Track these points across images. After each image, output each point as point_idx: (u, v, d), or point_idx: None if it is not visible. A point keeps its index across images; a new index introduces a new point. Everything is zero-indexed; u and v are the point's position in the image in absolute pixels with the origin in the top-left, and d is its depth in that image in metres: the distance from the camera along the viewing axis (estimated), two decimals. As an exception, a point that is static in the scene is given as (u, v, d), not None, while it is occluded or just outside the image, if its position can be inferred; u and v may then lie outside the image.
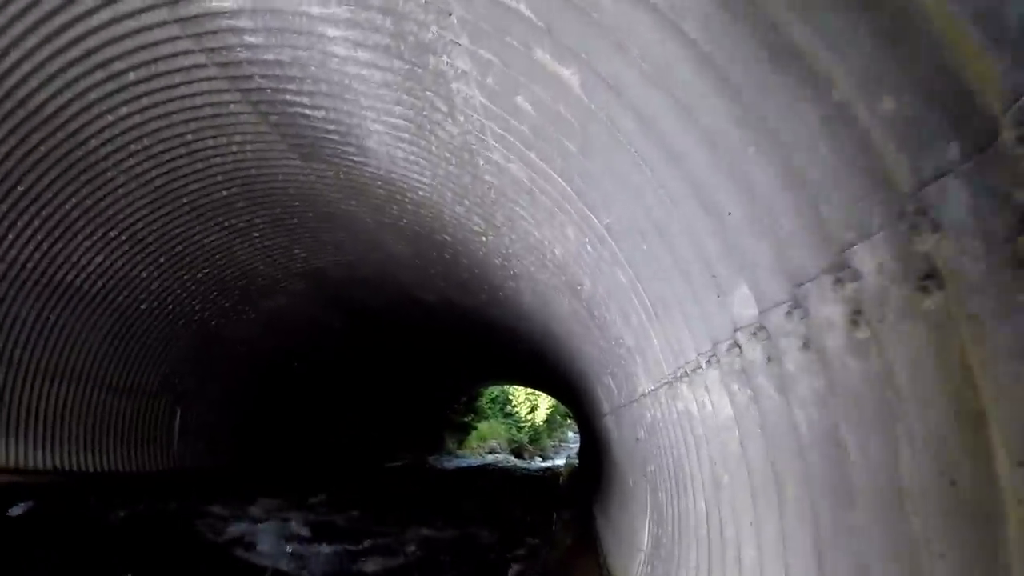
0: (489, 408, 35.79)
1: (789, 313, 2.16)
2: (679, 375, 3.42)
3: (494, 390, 35.88)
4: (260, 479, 15.86)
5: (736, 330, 2.56)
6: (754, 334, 2.40)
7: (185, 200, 9.80)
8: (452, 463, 26.18)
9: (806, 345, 2.07)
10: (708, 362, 2.89)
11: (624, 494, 7.74)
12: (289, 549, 10.02)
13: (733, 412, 2.75)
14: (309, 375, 17.88)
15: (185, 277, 11.91)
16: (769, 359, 2.34)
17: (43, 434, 11.36)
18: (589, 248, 4.65)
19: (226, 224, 10.69)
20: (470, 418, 33.40)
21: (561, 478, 18.28)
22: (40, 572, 7.90)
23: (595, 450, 12.75)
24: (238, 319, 13.97)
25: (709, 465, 3.29)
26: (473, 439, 33.40)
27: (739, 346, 2.55)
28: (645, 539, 5.86)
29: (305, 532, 11.32)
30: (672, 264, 3.13)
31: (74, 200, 9.27)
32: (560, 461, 27.37)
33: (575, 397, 15.20)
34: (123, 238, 10.35)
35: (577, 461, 22.16)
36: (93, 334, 11.66)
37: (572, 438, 36.08)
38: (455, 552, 10.28)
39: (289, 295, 13.80)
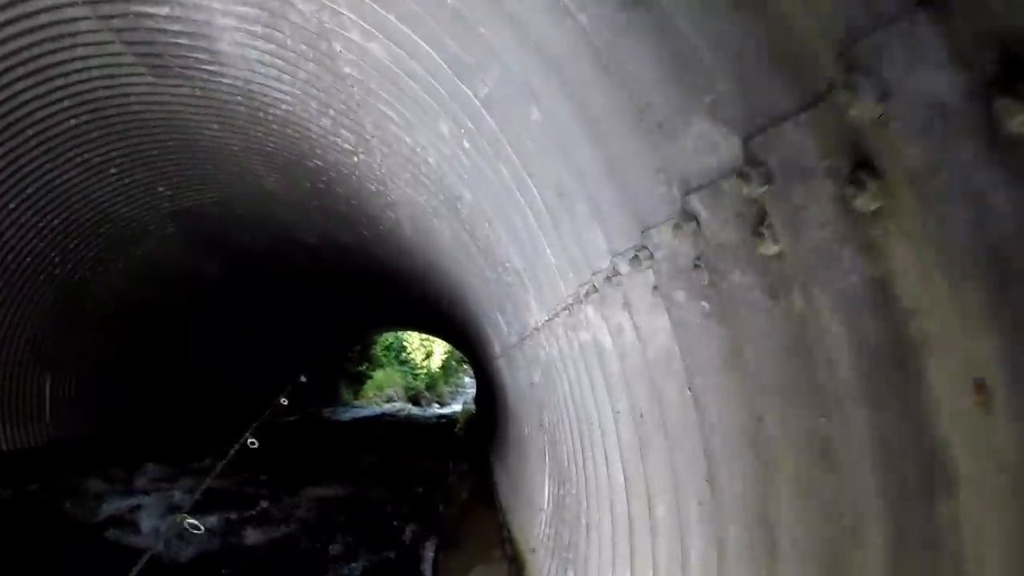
0: (384, 356, 34.59)
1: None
2: (584, 293, 2.46)
3: (388, 337, 34.64)
4: (145, 446, 14.32)
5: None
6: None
7: (30, 131, 8.31)
8: (348, 414, 24.98)
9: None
10: (630, 266, 1.93)
11: (521, 445, 6.92)
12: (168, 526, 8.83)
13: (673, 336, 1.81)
14: (190, 329, 16.20)
15: (40, 224, 10.21)
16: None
17: None
18: (467, 144, 3.61)
19: (79, 160, 9.18)
20: (365, 367, 32.14)
21: (457, 426, 17.47)
22: None
23: (490, 396, 11.92)
24: (106, 270, 12.24)
25: (629, 415, 2.37)
26: (369, 388, 32.23)
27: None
28: (545, 498, 5.01)
29: (190, 503, 10.08)
30: (569, 140, 2.15)
31: None
32: (457, 407, 26.63)
33: (466, 340, 14.30)
34: None
35: (474, 407, 21.43)
36: None
37: (468, 383, 35.40)
38: (348, 513, 9.36)
39: (159, 240, 12.14)
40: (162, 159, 9.48)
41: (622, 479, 2.62)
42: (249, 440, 8.35)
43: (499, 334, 6.86)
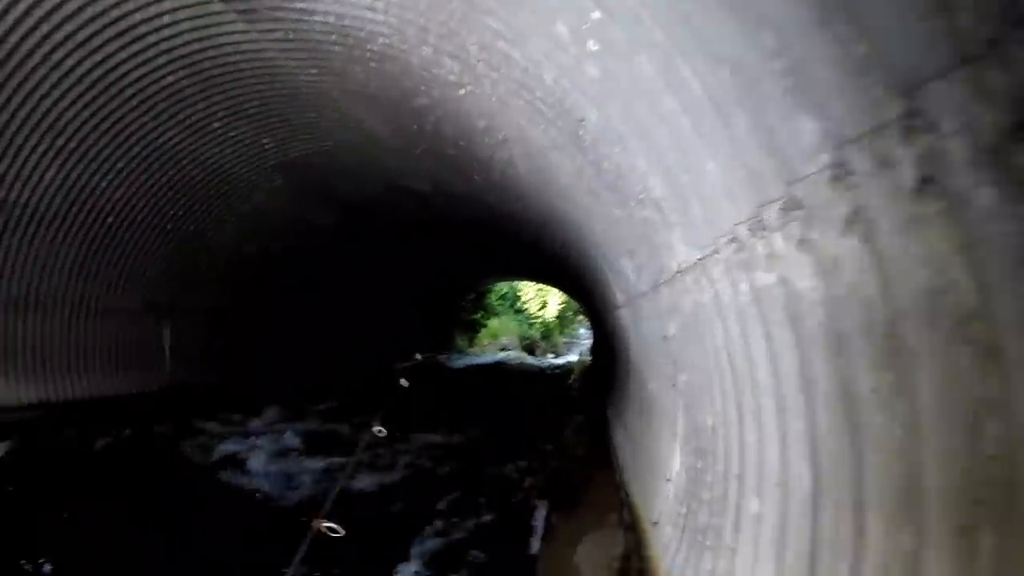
0: (499, 305, 34.52)
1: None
2: (772, 216, 1.73)
3: (503, 286, 34.48)
4: (262, 392, 14.68)
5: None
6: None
7: (129, 92, 8.31)
8: (462, 361, 25.02)
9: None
10: (871, 157, 1.20)
11: (645, 405, 6.23)
12: (277, 467, 8.83)
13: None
14: (302, 279, 16.37)
15: (150, 182, 10.34)
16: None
17: (21, 367, 10.41)
18: (592, 44, 2.89)
19: (181, 117, 9.16)
20: (479, 315, 32.16)
21: (572, 376, 16.97)
22: (16, 512, 6.88)
23: (608, 349, 11.26)
24: (218, 225, 12.34)
25: (829, 388, 1.65)
26: (484, 336, 32.30)
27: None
28: (675, 467, 4.34)
29: (300, 445, 10.13)
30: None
31: (7, 109, 8.07)
32: (572, 358, 26.14)
33: (584, 289, 13.64)
34: (72, 145, 9.01)
35: (590, 359, 20.86)
36: (61, 256, 10.38)
37: (584, 334, 34.81)
38: (457, 463, 9.06)
39: (267, 193, 12.09)
40: (264, 111, 9.27)
41: (810, 478, 1.92)
42: (401, 380, 8.22)
43: (623, 281, 6.14)
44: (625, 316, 6.87)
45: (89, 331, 11.35)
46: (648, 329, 5.47)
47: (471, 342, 31.58)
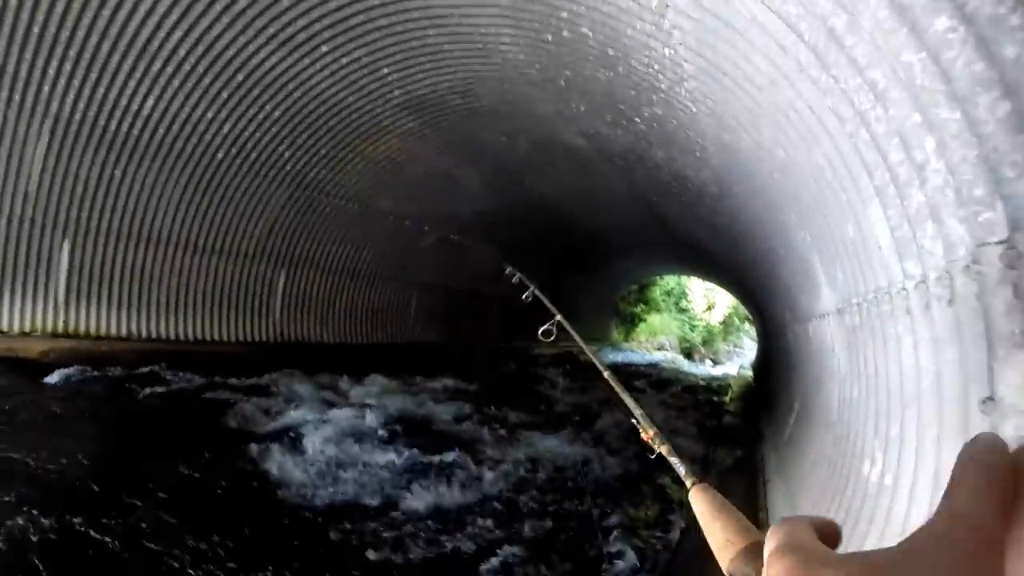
0: (663, 301, 31.89)
1: None
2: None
3: (670, 281, 31.76)
4: (377, 357, 13.56)
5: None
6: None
7: (218, 6, 7.30)
8: (610, 356, 22.91)
9: None
10: None
11: (817, 458, 4.03)
12: (333, 453, 7.30)
13: None
14: (442, 244, 15.02)
15: (257, 114, 9.27)
16: None
17: (118, 300, 10.05)
18: None
19: (282, 37, 7.85)
20: (640, 309, 29.79)
21: (729, 395, 14.42)
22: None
23: (773, 371, 8.84)
24: (341, 170, 11.15)
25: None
26: (642, 331, 29.95)
27: None
28: None
29: (378, 430, 8.63)
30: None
31: (97, 32, 7.49)
32: (732, 370, 23.21)
33: (759, 296, 11.19)
34: (169, 71, 8.18)
35: (752, 375, 18.01)
36: (167, 190, 9.61)
37: (748, 344, 31.39)
38: (557, 496, 6.97)
39: (399, 138, 10.67)
40: (377, 32, 7.71)
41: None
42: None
43: (818, 294, 3.98)
44: (828, 328, 4.65)
45: (194, 270, 10.73)
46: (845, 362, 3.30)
47: (627, 336, 29.34)
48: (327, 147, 10.49)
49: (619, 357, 23.22)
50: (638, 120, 6.91)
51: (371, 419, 9.05)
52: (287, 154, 10.29)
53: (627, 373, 17.84)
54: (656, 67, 4.80)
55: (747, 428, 9.66)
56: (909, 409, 2.36)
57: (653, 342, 29.76)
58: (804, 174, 3.31)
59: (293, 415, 8.68)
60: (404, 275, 14.57)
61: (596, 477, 7.78)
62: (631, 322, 29.43)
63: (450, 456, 7.70)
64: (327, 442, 7.75)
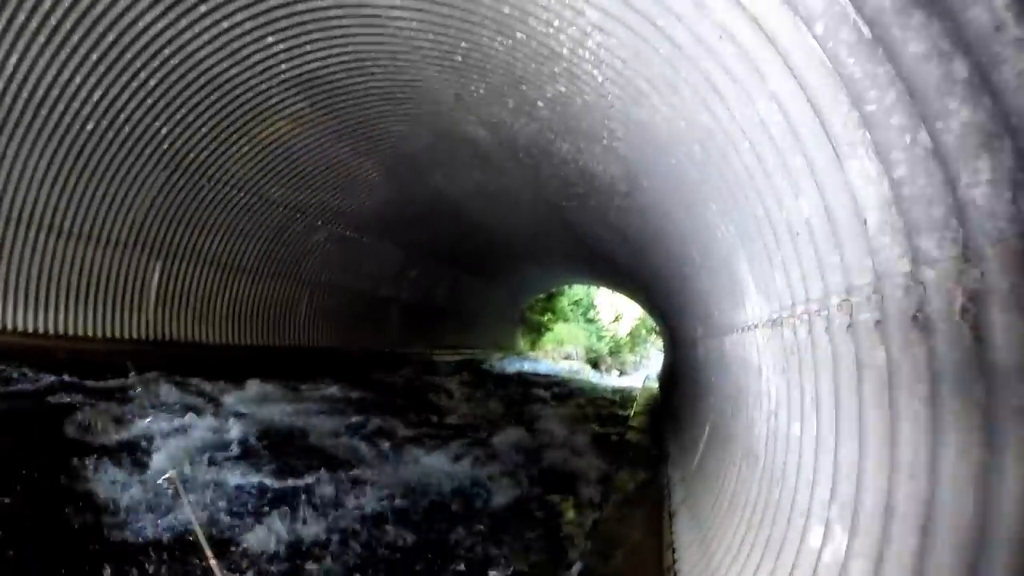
0: (571, 310, 31.43)
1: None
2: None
3: (578, 291, 31.35)
4: (260, 360, 12.31)
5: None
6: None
7: None
8: (516, 366, 22.11)
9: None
10: None
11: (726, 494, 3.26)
12: (173, 474, 6.12)
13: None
14: (339, 242, 13.85)
15: (129, 81, 8.12)
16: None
17: None
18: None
19: None
20: (547, 318, 29.22)
21: (633, 409, 13.82)
22: None
23: (681, 387, 8.20)
24: (228, 154, 9.91)
25: None
26: (548, 340, 29.37)
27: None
28: None
29: (241, 444, 7.52)
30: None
31: None
32: (637, 383, 22.87)
33: (668, 307, 10.61)
34: (33, 24, 7.06)
35: (657, 387, 17.55)
36: (30, 163, 8.48)
37: (654, 356, 31.30)
38: (435, 529, 5.93)
39: (289, 120, 9.50)
40: None
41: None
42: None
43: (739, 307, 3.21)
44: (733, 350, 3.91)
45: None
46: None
47: (534, 345, 28.70)
48: (210, 126, 9.23)
49: (525, 366, 22.48)
50: (541, 104, 6.09)
51: (236, 431, 7.93)
52: (164, 130, 8.96)
53: (531, 383, 17.08)
54: (556, 24, 3.96)
55: (652, 446, 8.98)
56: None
57: (560, 351, 29.26)
58: (735, 140, 2.52)
59: (147, 424, 7.47)
60: (296, 272, 13.30)
61: (485, 503, 6.86)
62: (538, 331, 28.80)
63: (317, 477, 6.68)
64: (177, 458, 6.60)
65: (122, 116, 8.42)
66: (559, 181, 9.11)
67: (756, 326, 3.02)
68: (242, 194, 10.88)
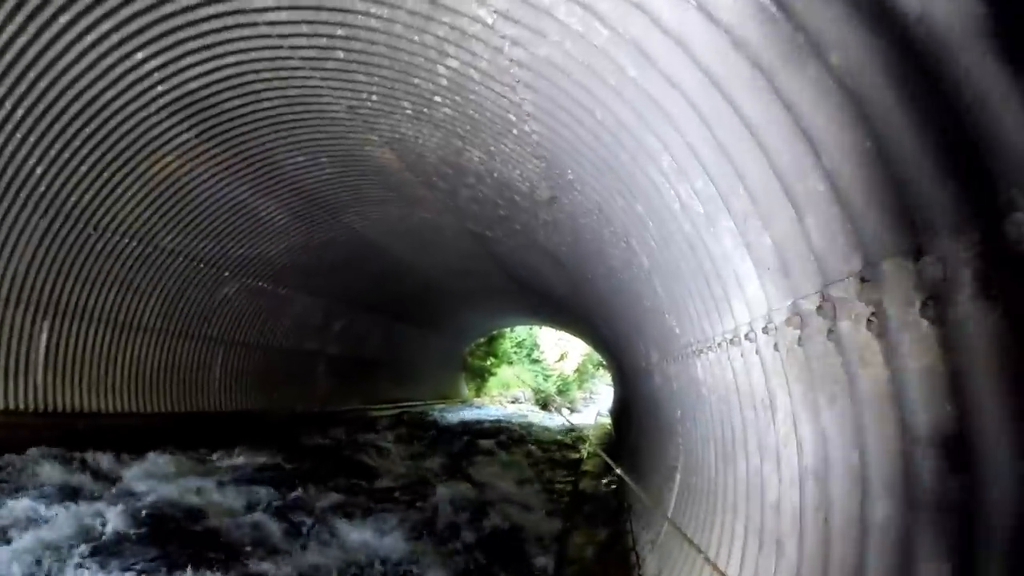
0: (515, 352, 30.19)
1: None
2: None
3: (520, 332, 30.18)
4: (169, 429, 10.71)
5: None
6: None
7: None
8: (459, 415, 20.67)
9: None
10: None
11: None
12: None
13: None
14: (257, 285, 12.40)
15: None
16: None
17: None
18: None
19: None
20: (490, 362, 27.92)
21: (586, 449, 12.58)
22: None
23: (642, 423, 7.04)
24: (112, 195, 8.44)
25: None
26: (494, 386, 28.03)
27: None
28: None
29: (115, 533, 6.12)
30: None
31: None
32: (589, 419, 21.68)
33: (614, 343, 9.53)
34: None
35: (610, 423, 16.40)
36: None
37: (603, 391, 30.23)
38: None
39: (178, 154, 8.17)
40: None
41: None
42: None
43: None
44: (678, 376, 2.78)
45: None
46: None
47: (479, 391, 27.33)
48: (90, 163, 7.80)
49: (469, 414, 21.05)
50: (439, 99, 4.98)
51: (117, 516, 6.53)
52: (39, 170, 7.51)
53: (475, 432, 15.72)
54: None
55: (610, 494, 7.77)
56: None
57: (507, 395, 27.94)
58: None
59: (6, 511, 6.20)
60: (204, 330, 11.73)
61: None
62: (481, 376, 27.45)
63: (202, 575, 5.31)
64: (24, 556, 5.28)
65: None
66: (478, 205, 8.00)
67: (760, 330, 1.93)
68: (135, 243, 9.38)
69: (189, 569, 5.38)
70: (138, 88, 6.95)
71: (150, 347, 10.67)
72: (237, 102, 7.28)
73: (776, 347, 1.99)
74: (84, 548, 5.67)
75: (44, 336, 8.99)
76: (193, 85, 6.94)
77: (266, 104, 7.30)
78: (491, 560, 6.29)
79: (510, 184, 5.90)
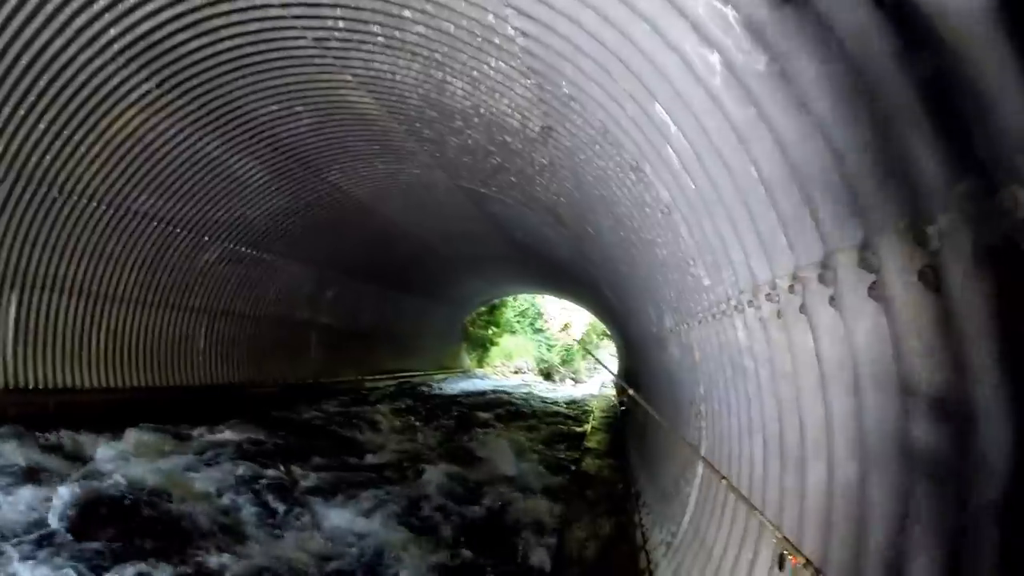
0: (517, 322, 29.39)
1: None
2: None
3: (524, 301, 29.32)
4: (150, 404, 9.93)
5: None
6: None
7: None
8: (459, 385, 19.94)
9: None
10: None
11: None
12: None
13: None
14: (240, 251, 11.53)
15: None
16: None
17: None
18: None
19: None
20: (491, 332, 27.13)
21: (590, 423, 11.78)
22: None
23: (653, 398, 6.20)
24: (74, 156, 7.58)
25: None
26: (496, 355, 27.31)
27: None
28: None
29: (62, 521, 5.38)
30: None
31: None
32: (593, 389, 20.92)
33: (617, 309, 8.66)
34: None
35: (614, 396, 15.61)
36: None
37: (608, 361, 29.52)
38: None
39: (140, 108, 7.27)
40: None
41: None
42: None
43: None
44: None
45: None
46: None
47: (481, 361, 26.60)
48: (47, 121, 6.96)
49: (469, 385, 20.33)
50: (410, 16, 4.06)
51: (71, 502, 5.77)
52: None
53: (474, 405, 14.96)
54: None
55: (615, 477, 6.97)
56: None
57: (509, 365, 27.25)
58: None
59: None
60: (186, 300, 10.89)
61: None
62: (483, 346, 26.68)
63: (148, 568, 4.59)
64: None
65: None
66: (469, 156, 7.11)
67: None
68: (103, 207, 8.52)
69: (135, 562, 4.67)
70: (88, 33, 6.14)
71: (127, 318, 9.85)
72: (195, 44, 6.40)
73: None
74: (29, 538, 4.98)
75: (12, 309, 8.20)
76: (146, 26, 6.08)
77: (227, 43, 6.40)
78: (479, 553, 5.53)
79: (500, 121, 5.01)
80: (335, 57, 5.98)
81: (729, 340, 2.47)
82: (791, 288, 1.75)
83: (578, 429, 12.02)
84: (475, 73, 4.35)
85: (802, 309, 1.68)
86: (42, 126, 7.03)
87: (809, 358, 1.71)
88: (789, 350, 1.85)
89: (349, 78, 6.34)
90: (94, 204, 8.40)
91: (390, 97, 6.39)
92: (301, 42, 5.94)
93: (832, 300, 1.52)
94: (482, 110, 5.07)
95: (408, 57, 5.08)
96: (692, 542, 3.20)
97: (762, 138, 1.71)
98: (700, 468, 3.29)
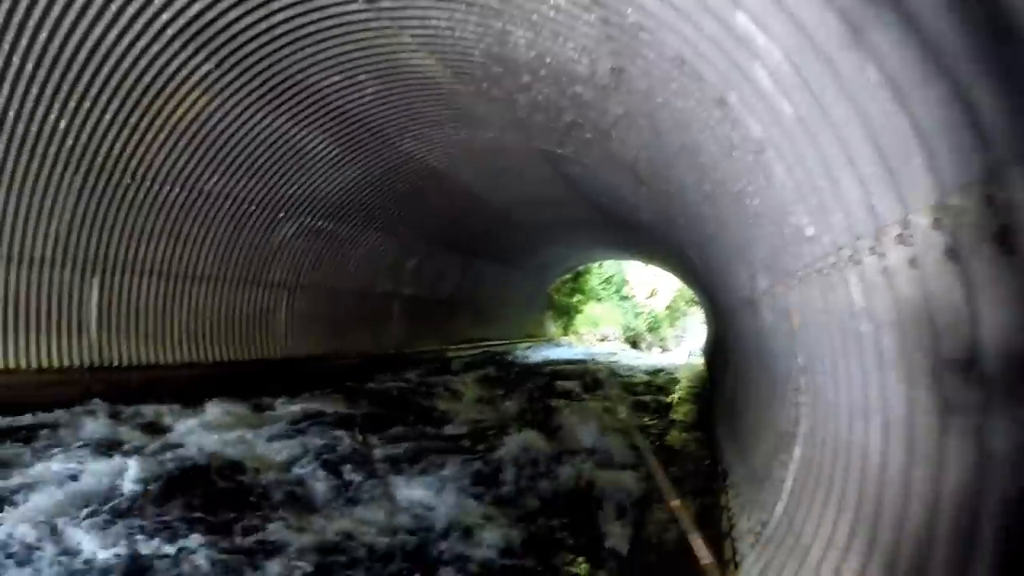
0: (603, 289, 28.79)
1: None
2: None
3: (609, 268, 28.66)
4: (232, 377, 10.13)
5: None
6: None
7: None
8: (543, 353, 19.65)
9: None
10: None
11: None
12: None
13: None
14: (315, 225, 11.54)
15: (9, 71, 5.85)
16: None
17: None
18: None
19: None
20: (576, 299, 26.67)
21: (675, 393, 11.26)
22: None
23: (741, 369, 5.67)
24: (142, 142, 7.74)
25: None
26: (581, 323, 26.87)
27: None
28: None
29: (131, 492, 5.35)
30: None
31: None
32: (679, 358, 20.20)
33: (709, 270, 8.09)
34: None
35: (704, 364, 14.95)
36: None
37: (696, 329, 28.52)
38: None
39: (201, 89, 7.23)
40: None
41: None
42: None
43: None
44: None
45: None
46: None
47: (566, 329, 26.26)
48: (113, 112, 7.07)
49: (553, 353, 20.01)
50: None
51: (144, 473, 5.82)
52: (62, 125, 6.85)
53: (558, 374, 14.64)
54: None
55: (701, 451, 6.50)
56: None
57: (595, 333, 26.77)
58: None
59: (38, 469, 5.66)
60: (265, 275, 11.04)
61: (461, 561, 4.54)
62: (568, 314, 26.29)
63: (212, 539, 4.53)
64: (32, 516, 4.62)
65: (11, 112, 6.38)
66: (541, 113, 6.67)
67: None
68: (176, 190, 8.65)
69: (200, 532, 4.61)
70: (141, 20, 6.06)
71: (207, 296, 10.06)
72: (247, 20, 6.26)
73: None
74: (105, 507, 5.00)
75: (95, 292, 8.49)
76: (196, 8, 5.93)
77: (279, 16, 6.21)
78: (556, 529, 5.22)
79: (567, 69, 4.57)
80: (390, 19, 5.66)
81: (839, 300, 2.01)
82: (936, 223, 1.29)
83: (664, 399, 11.52)
84: (535, 17, 3.92)
85: (950, 252, 1.22)
86: (108, 117, 7.12)
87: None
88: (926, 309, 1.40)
89: (408, 39, 6.01)
90: (167, 188, 8.52)
91: (452, 56, 6.03)
92: (352, 6, 5.64)
93: (1002, 235, 1.07)
94: (548, 59, 4.64)
95: (464, 9, 4.69)
96: (786, 537, 2.76)
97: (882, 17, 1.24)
98: (798, 451, 2.82)
